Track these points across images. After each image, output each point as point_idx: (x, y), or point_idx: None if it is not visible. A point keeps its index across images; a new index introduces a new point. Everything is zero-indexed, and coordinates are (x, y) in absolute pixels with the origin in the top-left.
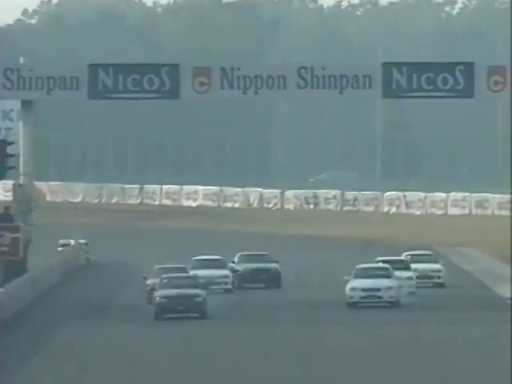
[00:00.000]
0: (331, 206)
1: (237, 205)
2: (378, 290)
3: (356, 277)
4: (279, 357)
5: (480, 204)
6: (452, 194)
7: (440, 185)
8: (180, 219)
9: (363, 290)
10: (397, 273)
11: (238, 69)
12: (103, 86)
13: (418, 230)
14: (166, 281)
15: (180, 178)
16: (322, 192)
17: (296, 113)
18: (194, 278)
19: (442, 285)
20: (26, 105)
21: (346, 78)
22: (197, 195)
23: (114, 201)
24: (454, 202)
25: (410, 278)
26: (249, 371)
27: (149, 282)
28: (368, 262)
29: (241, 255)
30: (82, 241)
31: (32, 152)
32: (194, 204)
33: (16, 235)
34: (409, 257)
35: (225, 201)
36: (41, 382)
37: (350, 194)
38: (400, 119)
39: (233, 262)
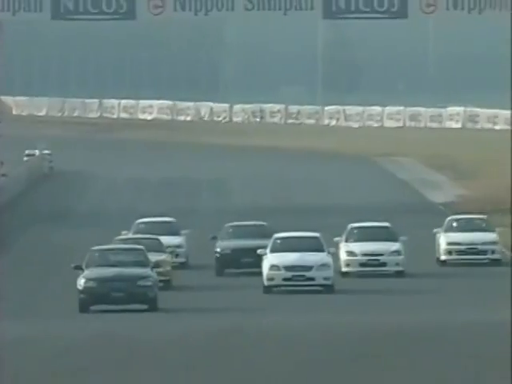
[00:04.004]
0: (276, 120)
1: (189, 118)
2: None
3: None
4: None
5: (413, 117)
6: (388, 107)
7: (377, 99)
8: (137, 131)
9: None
10: (379, 245)
11: None
12: (65, 8)
13: (356, 141)
14: (97, 255)
15: (136, 93)
16: (267, 106)
17: (244, 33)
18: (142, 250)
19: (497, 261)
20: None
21: (289, 0)
22: (152, 109)
23: (75, 114)
24: (390, 116)
25: (396, 253)
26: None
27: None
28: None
29: (228, 227)
30: (45, 151)
31: None
32: (149, 117)
33: None
34: (453, 222)
35: (178, 114)
36: (7, 282)
37: (293, 108)
38: (340, 38)
39: (214, 238)
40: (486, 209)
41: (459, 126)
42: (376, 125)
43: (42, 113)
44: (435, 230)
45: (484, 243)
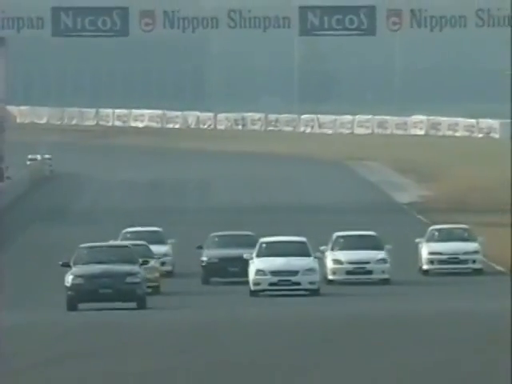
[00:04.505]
0: (256, 127)
1: (177, 126)
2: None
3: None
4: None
5: (381, 125)
6: (358, 116)
7: (348, 108)
8: (129, 138)
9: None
10: (365, 253)
11: (178, 11)
12: (64, 26)
13: (329, 146)
14: (85, 252)
15: (129, 102)
16: (248, 115)
17: (227, 48)
18: (130, 248)
19: (479, 271)
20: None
21: (268, 19)
22: (143, 117)
23: (73, 122)
24: (360, 123)
25: (382, 261)
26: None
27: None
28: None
29: (213, 236)
30: (46, 156)
31: (4, 81)
32: (141, 125)
33: None
34: (435, 232)
35: (167, 122)
36: (8, 276)
37: (272, 117)
38: (314, 53)
39: (200, 248)
40: (446, 208)
41: (423, 132)
42: (347, 132)
43: (43, 121)
44: (417, 240)
45: (465, 253)
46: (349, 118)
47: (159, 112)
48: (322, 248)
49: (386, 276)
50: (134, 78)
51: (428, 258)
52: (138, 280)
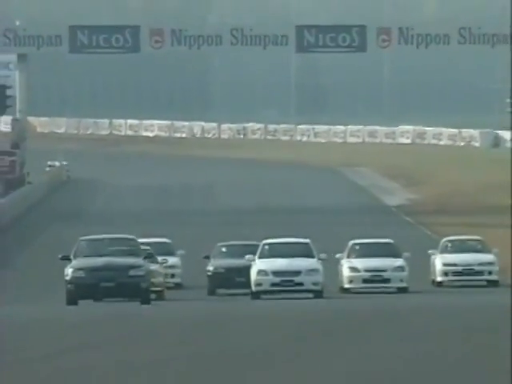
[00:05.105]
0: (257, 136)
1: (184, 135)
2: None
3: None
4: None
5: (371, 134)
6: (350, 126)
7: (341, 119)
8: (140, 146)
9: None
10: (382, 260)
11: (185, 30)
12: (81, 43)
13: (323, 154)
14: (86, 244)
15: (140, 113)
16: (249, 125)
17: (230, 64)
18: (134, 240)
19: (495, 283)
20: (21, 57)
21: (267, 37)
22: (153, 127)
23: (89, 132)
24: (352, 133)
25: (400, 268)
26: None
27: None
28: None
29: (220, 246)
30: (64, 162)
31: (25, 94)
32: (151, 134)
33: (13, 158)
34: (448, 244)
35: (175, 132)
36: (30, 272)
37: (271, 127)
38: (310, 68)
39: (207, 257)
40: (431, 210)
41: (409, 141)
42: (340, 141)
43: (61, 130)
44: (430, 252)
45: (481, 264)
46: (342, 128)
47: (167, 122)
48: (338, 256)
49: (403, 284)
50: (144, 91)
51: (442, 270)
52: (141, 273)
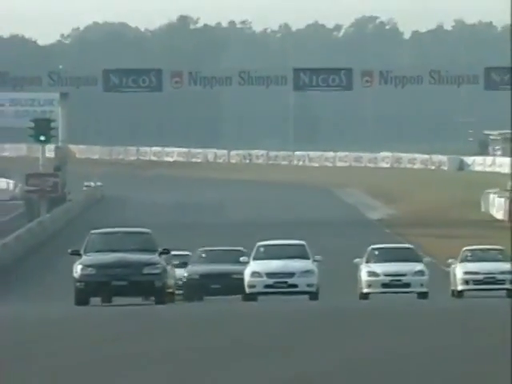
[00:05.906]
0: (260, 161)
1: (199, 160)
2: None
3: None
4: None
5: (357, 159)
6: (338, 153)
7: (331, 146)
8: (162, 169)
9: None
10: (402, 265)
11: (200, 72)
12: (113, 83)
13: (317, 176)
14: (97, 239)
15: (162, 142)
16: (254, 152)
17: (238, 100)
18: (149, 234)
19: None
20: (63, 95)
21: (269, 78)
22: (173, 153)
23: (119, 157)
24: (340, 158)
25: (421, 273)
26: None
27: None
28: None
29: (201, 251)
30: (98, 183)
31: (66, 125)
32: (171, 159)
33: (56, 180)
34: (468, 253)
35: (191, 157)
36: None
37: (272, 153)
38: (306, 104)
39: (183, 264)
40: (407, 223)
41: (389, 166)
42: (330, 165)
43: (96, 156)
44: (450, 261)
45: (502, 272)
46: (332, 154)
47: (185, 149)
48: (356, 261)
49: (424, 289)
50: (166, 123)
51: (463, 279)
52: (157, 271)
